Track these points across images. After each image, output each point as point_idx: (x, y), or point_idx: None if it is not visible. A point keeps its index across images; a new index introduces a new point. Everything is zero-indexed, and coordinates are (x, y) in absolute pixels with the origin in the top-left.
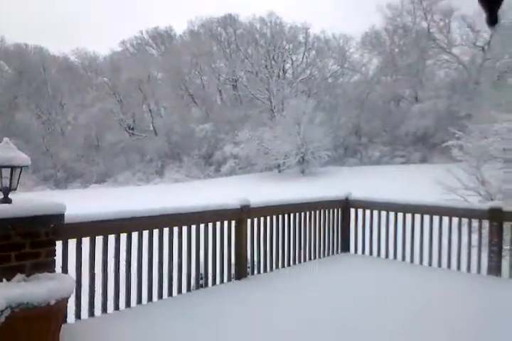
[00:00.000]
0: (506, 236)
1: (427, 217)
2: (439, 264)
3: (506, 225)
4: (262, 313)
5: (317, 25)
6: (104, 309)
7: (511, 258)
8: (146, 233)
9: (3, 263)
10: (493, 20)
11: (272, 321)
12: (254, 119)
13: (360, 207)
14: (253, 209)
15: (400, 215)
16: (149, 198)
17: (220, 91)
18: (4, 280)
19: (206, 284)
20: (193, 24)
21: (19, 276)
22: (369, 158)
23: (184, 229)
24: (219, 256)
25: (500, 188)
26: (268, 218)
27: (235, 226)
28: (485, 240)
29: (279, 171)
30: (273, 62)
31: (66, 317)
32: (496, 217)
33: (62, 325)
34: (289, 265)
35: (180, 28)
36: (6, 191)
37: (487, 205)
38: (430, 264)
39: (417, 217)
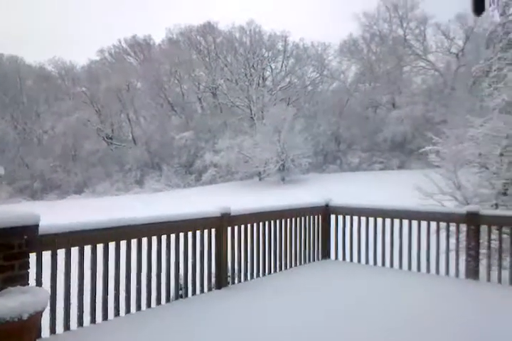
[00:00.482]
0: (483, 240)
1: (406, 222)
2: (419, 269)
3: (483, 228)
4: (241, 322)
5: (296, 33)
6: (81, 322)
7: (488, 261)
8: (123, 243)
9: None
10: (478, 8)
11: (252, 330)
12: (234, 127)
13: (340, 213)
14: (234, 216)
15: (380, 220)
16: (128, 208)
17: (199, 99)
18: None
19: (186, 294)
20: (171, 32)
21: None
22: (348, 165)
23: (163, 238)
24: (199, 265)
25: (476, 192)
26: (249, 226)
27: (216, 235)
28: (462, 244)
29: (260, 179)
30: (252, 70)
31: (40, 331)
32: (473, 220)
33: (37, 340)
34: (269, 273)
35: (158, 37)
36: None
37: (464, 209)
38: (410, 269)
39: (396, 222)
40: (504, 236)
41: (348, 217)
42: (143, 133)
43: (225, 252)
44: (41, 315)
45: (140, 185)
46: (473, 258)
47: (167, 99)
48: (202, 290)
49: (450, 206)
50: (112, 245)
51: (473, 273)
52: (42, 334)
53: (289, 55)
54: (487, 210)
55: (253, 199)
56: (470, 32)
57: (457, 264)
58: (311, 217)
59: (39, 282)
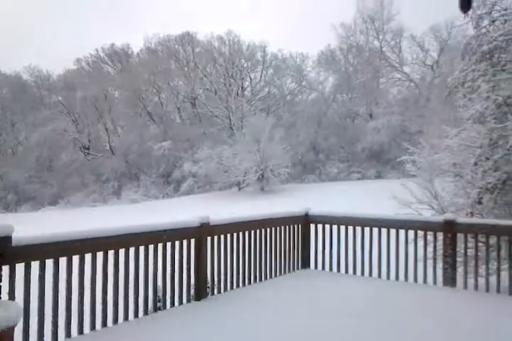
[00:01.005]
0: (460, 248)
1: (384, 231)
2: (397, 277)
3: (460, 237)
4: (221, 334)
5: (274, 44)
6: (55, 337)
7: (465, 269)
8: (100, 254)
9: None
10: (465, 5)
11: None
12: (213, 137)
13: (319, 223)
14: (213, 226)
15: (359, 229)
16: (105, 220)
17: (178, 109)
18: None
19: (164, 306)
20: (150, 42)
21: None
22: (327, 175)
23: (141, 249)
24: (178, 277)
25: (452, 201)
26: (228, 236)
27: (195, 245)
28: (440, 252)
29: (239, 189)
30: (232, 80)
31: None
32: (449, 228)
33: None
34: (249, 283)
35: (136, 46)
36: None
37: (441, 218)
38: (388, 278)
39: (375, 230)
40: (480, 244)
41: (327, 226)
42: (120, 143)
43: (204, 263)
44: (13, 330)
45: (117, 195)
46: (450, 266)
47: (145, 109)
48: (181, 302)
49: (427, 215)
50: (88, 256)
51: (450, 280)
52: None
53: (267, 65)
54: (463, 218)
55: (232, 209)
56: (444, 44)
57: (435, 272)
58: (291, 226)
59: (12, 296)
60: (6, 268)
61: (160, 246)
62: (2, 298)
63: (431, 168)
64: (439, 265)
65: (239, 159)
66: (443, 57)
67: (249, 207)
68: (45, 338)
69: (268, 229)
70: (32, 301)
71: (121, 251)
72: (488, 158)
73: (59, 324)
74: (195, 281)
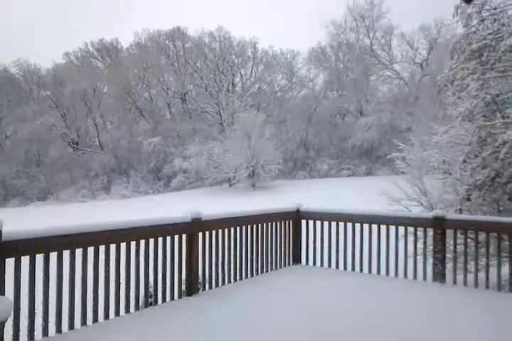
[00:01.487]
0: (449, 244)
1: (375, 227)
2: (387, 273)
3: (449, 233)
4: (213, 329)
5: (265, 41)
6: (46, 332)
7: (454, 265)
8: (91, 250)
9: None
10: None
11: (224, 336)
12: (203, 133)
13: (311, 219)
14: (205, 222)
15: (349, 225)
16: (95, 215)
17: (168, 104)
18: None
19: (156, 302)
20: (139, 37)
21: None
22: (318, 171)
23: (132, 244)
24: (169, 272)
25: (441, 198)
26: (220, 231)
27: (186, 240)
28: (429, 248)
29: (230, 185)
30: (222, 76)
31: None
32: (439, 225)
33: None
34: (241, 279)
35: (126, 41)
36: None
37: (431, 214)
38: (379, 273)
39: (366, 226)
40: (469, 240)
41: (318, 222)
42: (110, 139)
43: (195, 258)
44: (3, 326)
45: (107, 191)
46: (439, 262)
47: (135, 104)
48: (172, 298)
49: (416, 211)
50: (78, 252)
51: (439, 276)
52: None
53: (258, 61)
54: (453, 215)
55: (223, 205)
56: (433, 42)
57: (424, 268)
58: (282, 222)
59: (1, 290)
60: None
61: (151, 241)
62: None
63: (420, 165)
64: (429, 261)
65: (229, 155)
66: (432, 55)
67: (239, 203)
68: (35, 333)
69: (259, 225)
70: (22, 297)
71: (113, 247)
72: (476, 156)
73: (49, 319)
74: (186, 277)
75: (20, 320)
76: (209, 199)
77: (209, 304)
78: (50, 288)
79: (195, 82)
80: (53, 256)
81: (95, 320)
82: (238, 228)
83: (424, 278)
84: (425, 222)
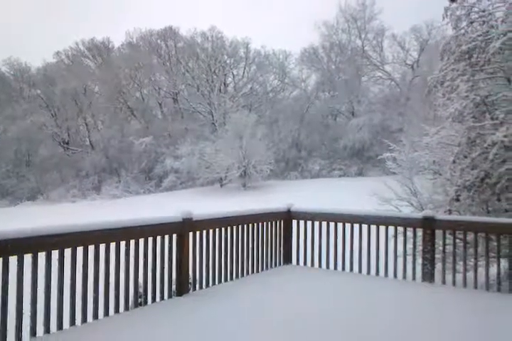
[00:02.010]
0: (438, 245)
1: (365, 227)
2: (377, 273)
3: (438, 233)
4: (203, 329)
5: (257, 41)
6: (33, 333)
7: (443, 265)
8: (80, 249)
9: None
10: None
11: (214, 337)
12: (195, 133)
13: (301, 219)
14: (195, 222)
15: (340, 225)
16: (86, 215)
17: (160, 104)
18: None
19: (146, 302)
20: (131, 36)
21: None
22: (309, 172)
23: (122, 244)
24: (159, 272)
25: (431, 198)
26: (211, 231)
27: (177, 240)
28: (419, 248)
29: (221, 185)
30: (214, 76)
31: None
32: (429, 225)
33: None
34: (231, 279)
35: (118, 41)
36: None
37: (420, 214)
38: (369, 273)
39: (356, 226)
40: (457, 240)
41: (309, 222)
42: (101, 138)
43: (186, 258)
44: None
45: (97, 191)
46: (429, 262)
47: (126, 104)
48: (162, 298)
49: (406, 211)
50: (67, 252)
51: (428, 276)
52: None
53: (250, 61)
54: (442, 215)
55: (214, 205)
56: (424, 44)
57: (414, 268)
58: (273, 222)
59: None
60: None
61: (141, 241)
62: None
63: (411, 165)
64: (418, 261)
65: (221, 155)
66: (423, 56)
67: (231, 203)
68: (23, 333)
69: (250, 225)
70: (10, 296)
71: (102, 247)
72: (466, 156)
73: (37, 319)
74: (176, 277)
75: (8, 320)
76: (200, 199)
77: (199, 304)
78: (38, 288)
79: (187, 82)
80: (42, 255)
81: (84, 320)
82: (229, 228)
83: (414, 278)
84: (415, 222)
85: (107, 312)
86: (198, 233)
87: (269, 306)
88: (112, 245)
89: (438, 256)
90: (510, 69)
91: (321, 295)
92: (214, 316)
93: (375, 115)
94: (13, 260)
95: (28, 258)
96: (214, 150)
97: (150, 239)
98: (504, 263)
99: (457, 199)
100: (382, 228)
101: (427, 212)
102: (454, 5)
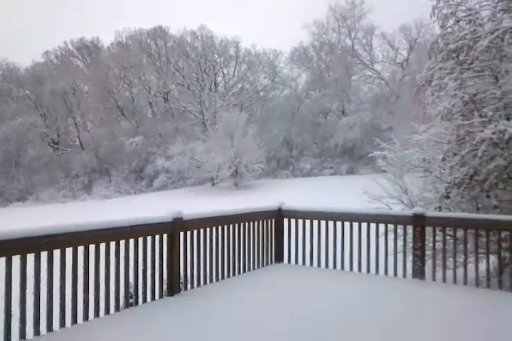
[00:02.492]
0: (428, 241)
1: (356, 225)
2: (368, 270)
3: (428, 230)
4: (194, 329)
5: (247, 40)
6: (23, 334)
7: (433, 261)
8: (69, 250)
9: None
10: None
11: (205, 337)
12: (186, 132)
13: (293, 217)
14: (186, 221)
15: (331, 223)
16: (77, 215)
17: (150, 104)
18: None
19: (136, 302)
20: (120, 36)
21: None
22: (301, 170)
23: (112, 244)
24: (150, 272)
25: (421, 196)
26: (202, 231)
27: (168, 240)
28: (409, 245)
29: (213, 184)
30: (204, 76)
31: None
32: (419, 222)
33: None
34: (223, 278)
35: (107, 40)
36: None
37: (411, 212)
38: (360, 270)
39: (347, 224)
40: (448, 237)
41: (300, 221)
42: (90, 138)
43: (177, 258)
44: None
45: (88, 191)
46: (419, 259)
47: (116, 103)
48: (153, 298)
49: (397, 209)
50: (56, 253)
51: (419, 273)
52: None
53: (241, 61)
54: (432, 212)
55: (206, 204)
56: (413, 43)
57: (404, 265)
58: (265, 221)
59: None
60: None
61: (132, 241)
62: None
63: (401, 163)
64: (409, 258)
65: (212, 155)
66: (412, 55)
67: (222, 203)
68: (11, 336)
69: (242, 224)
70: None
71: (92, 247)
72: (455, 154)
73: (27, 321)
74: (167, 276)
75: None
76: (191, 198)
77: (190, 303)
78: (27, 290)
79: (178, 81)
80: (31, 257)
81: (74, 321)
82: (220, 227)
83: (404, 275)
84: (405, 219)
85: (97, 314)
86: (188, 233)
87: (261, 305)
88: (103, 246)
89: (428, 252)
90: (498, 67)
91: (313, 293)
92: (205, 316)
93: (365, 114)
94: (1, 262)
95: (16, 259)
96: (205, 149)
97: (140, 239)
98: (493, 259)
99: (447, 197)
100: (373, 226)
101: (418, 209)
102: (441, 4)
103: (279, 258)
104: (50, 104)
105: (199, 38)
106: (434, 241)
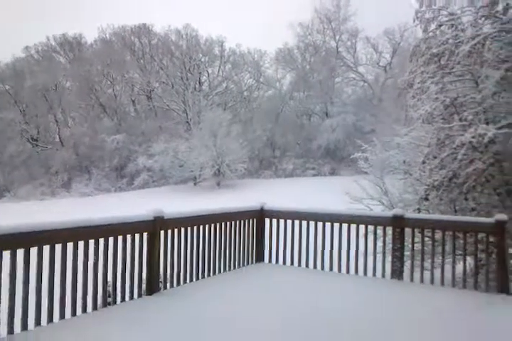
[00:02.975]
0: (407, 242)
1: (337, 225)
2: (348, 271)
3: (408, 231)
4: (173, 328)
5: (232, 40)
6: None
7: (412, 262)
8: (47, 248)
9: None
10: None
11: (184, 336)
12: (169, 131)
13: (274, 217)
14: (167, 220)
15: (312, 224)
16: (55, 213)
17: (133, 101)
18: None
19: (115, 301)
20: (104, 32)
21: None
22: (283, 171)
23: (91, 242)
24: (129, 271)
25: (401, 197)
26: (182, 229)
27: (148, 239)
28: (389, 246)
29: (195, 184)
30: (189, 74)
31: None
32: (398, 223)
33: None
34: (203, 277)
35: (90, 37)
36: None
37: (390, 213)
38: (340, 271)
39: (328, 225)
40: (426, 238)
41: (282, 221)
42: (71, 135)
43: (157, 257)
44: None
45: (67, 189)
46: (398, 260)
47: (98, 101)
48: (132, 297)
49: (377, 210)
50: (33, 250)
51: (398, 273)
52: None
53: (225, 60)
54: (411, 214)
55: (187, 203)
56: (397, 46)
57: (383, 266)
58: (246, 220)
59: None
60: None
61: (111, 239)
62: None
63: (382, 165)
64: (388, 259)
65: (195, 154)
66: (396, 59)
67: (204, 202)
68: None
69: (223, 223)
70: None
71: (70, 245)
72: (435, 157)
73: (0, 320)
74: (147, 276)
75: None
76: (173, 197)
77: (169, 303)
78: (1, 287)
79: (161, 80)
80: (6, 254)
81: (50, 319)
82: (201, 226)
83: (383, 275)
84: (385, 220)
85: (74, 312)
86: (169, 231)
87: (241, 304)
88: (81, 244)
89: (407, 253)
90: (478, 72)
91: (293, 292)
92: (184, 314)
93: (348, 116)
94: None
95: None
96: (188, 148)
97: (120, 238)
98: (470, 260)
99: (426, 199)
100: (353, 226)
101: (397, 211)
102: (424, 8)
103: (259, 257)
104: (30, 100)
105: (184, 36)
106: (413, 243)
